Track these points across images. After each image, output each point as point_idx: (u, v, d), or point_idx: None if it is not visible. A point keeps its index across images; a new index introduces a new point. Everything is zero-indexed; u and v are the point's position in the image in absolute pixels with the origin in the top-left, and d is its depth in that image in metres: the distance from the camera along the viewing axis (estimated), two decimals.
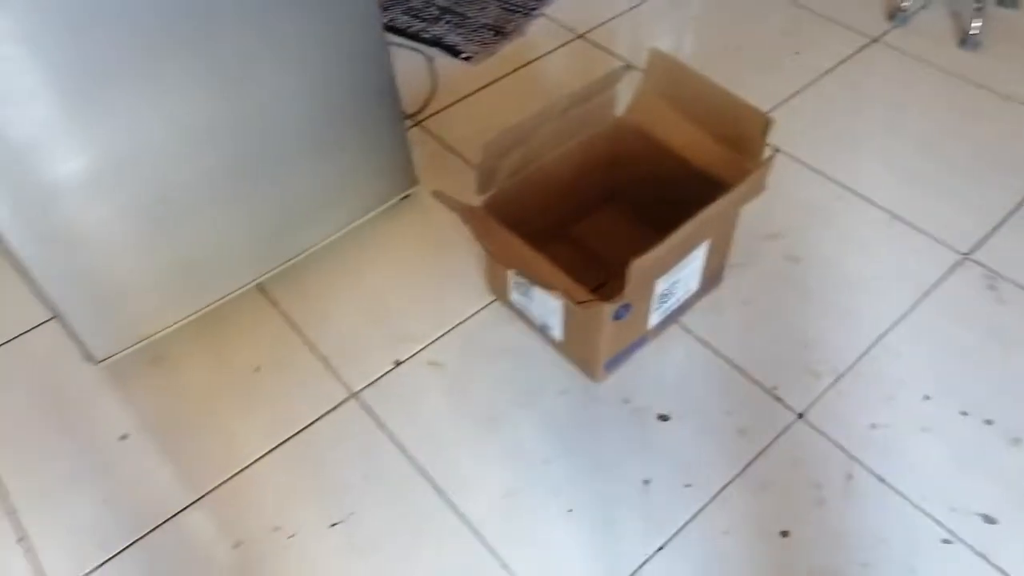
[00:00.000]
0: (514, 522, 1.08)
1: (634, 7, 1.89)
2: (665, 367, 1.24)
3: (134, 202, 1.09)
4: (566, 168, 1.31)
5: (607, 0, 1.91)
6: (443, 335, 1.29)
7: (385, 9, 1.91)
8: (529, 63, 1.77)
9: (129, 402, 1.21)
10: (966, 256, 1.37)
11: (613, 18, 1.86)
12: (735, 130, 1.19)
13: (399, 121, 1.35)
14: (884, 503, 1.10)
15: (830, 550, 1.06)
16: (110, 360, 1.20)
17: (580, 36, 1.83)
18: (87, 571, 1.05)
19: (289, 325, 1.30)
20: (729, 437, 1.16)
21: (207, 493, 1.11)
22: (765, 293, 1.33)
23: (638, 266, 1.00)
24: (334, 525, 1.08)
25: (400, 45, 1.82)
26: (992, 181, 1.48)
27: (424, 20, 1.89)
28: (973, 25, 1.73)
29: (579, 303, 1.03)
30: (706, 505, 1.10)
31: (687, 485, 1.11)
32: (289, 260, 1.33)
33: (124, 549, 1.07)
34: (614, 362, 1.21)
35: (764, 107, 1.18)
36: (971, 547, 1.05)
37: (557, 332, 1.21)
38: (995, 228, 1.40)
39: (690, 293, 1.26)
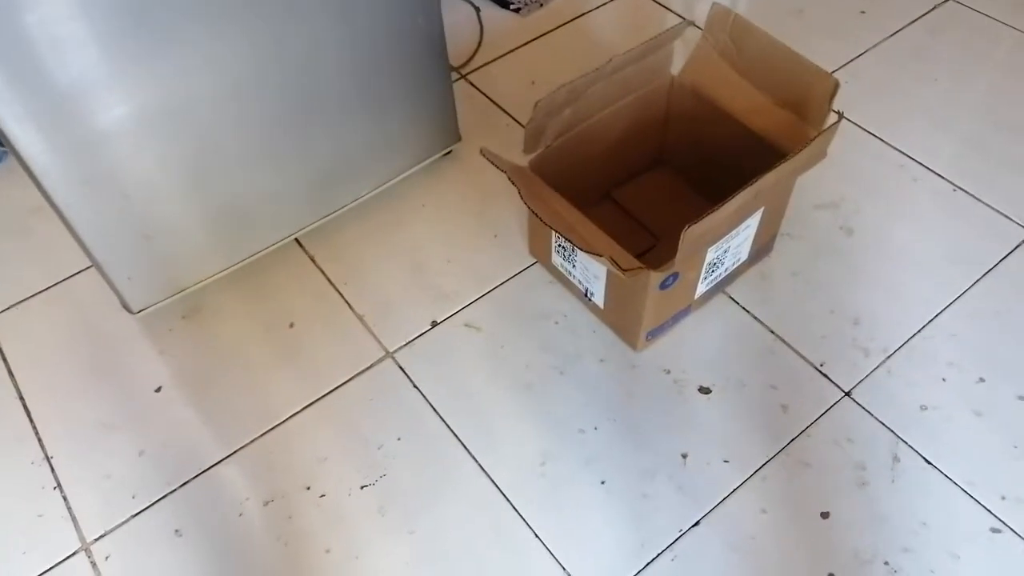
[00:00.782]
0: (546, 490, 1.07)
1: None
2: (708, 338, 1.20)
3: (176, 152, 1.07)
4: (616, 128, 1.26)
5: None
6: (481, 297, 1.26)
7: None
8: (581, 16, 1.71)
9: (164, 354, 1.21)
10: None
11: None
12: (798, 93, 1.13)
13: (446, 74, 1.31)
14: (930, 487, 1.06)
15: (871, 533, 1.02)
16: (147, 311, 1.20)
17: None
18: (120, 521, 1.06)
19: (326, 281, 1.29)
20: (771, 413, 1.13)
21: (239, 449, 1.11)
22: (816, 265, 1.28)
23: (691, 234, 0.96)
24: (364, 487, 1.08)
25: None
26: None
27: None
28: None
29: (625, 271, 0.99)
30: (745, 482, 1.07)
31: (726, 460, 1.09)
32: (329, 215, 1.32)
33: (156, 502, 1.07)
34: (656, 332, 1.18)
35: (824, 69, 1.11)
36: (1022, 537, 1.01)
37: (599, 298, 1.18)
38: None
39: (739, 263, 1.21)
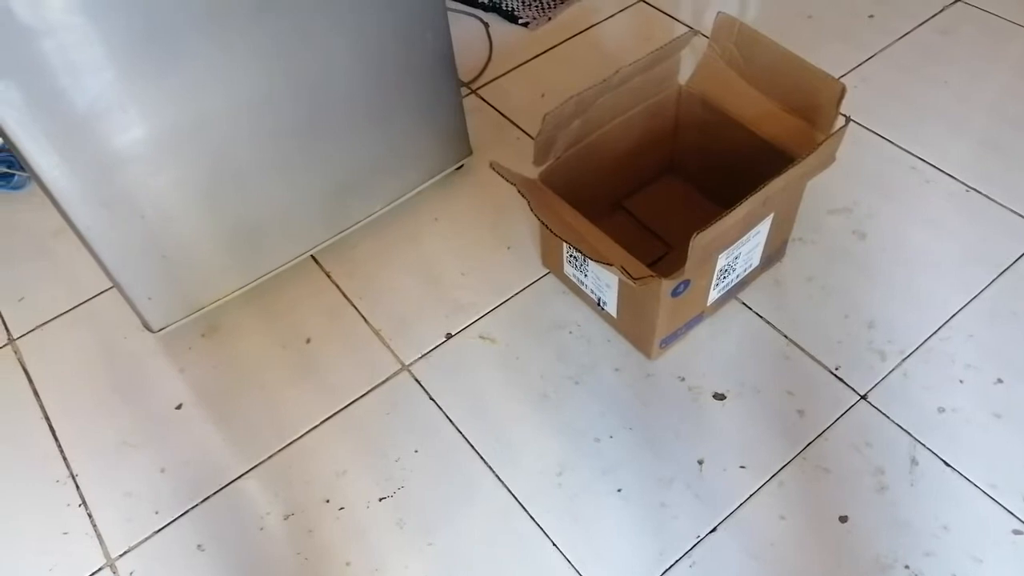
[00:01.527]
0: (563, 500, 1.07)
1: None
2: (722, 344, 1.20)
3: (191, 172, 1.09)
4: (626, 138, 1.27)
5: None
6: (495, 308, 1.27)
7: None
8: (588, 28, 1.72)
9: (184, 371, 1.23)
10: None
11: None
12: (806, 99, 1.13)
13: (456, 89, 1.32)
14: (950, 490, 1.05)
15: (891, 537, 1.02)
16: (167, 330, 1.22)
17: (642, 0, 1.77)
18: (143, 537, 1.07)
19: (342, 296, 1.30)
20: (787, 418, 1.13)
21: (259, 464, 1.13)
22: (829, 269, 1.28)
23: (700, 241, 0.97)
24: (383, 499, 1.09)
25: (456, 10, 1.79)
26: None
27: None
28: None
29: (636, 279, 1.00)
30: (761, 487, 1.07)
31: (742, 466, 1.08)
32: (343, 231, 1.33)
33: (178, 517, 1.09)
34: (670, 339, 1.18)
35: (833, 74, 1.12)
36: None
37: (612, 308, 1.18)
38: None
39: (751, 268, 1.21)
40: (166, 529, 1.08)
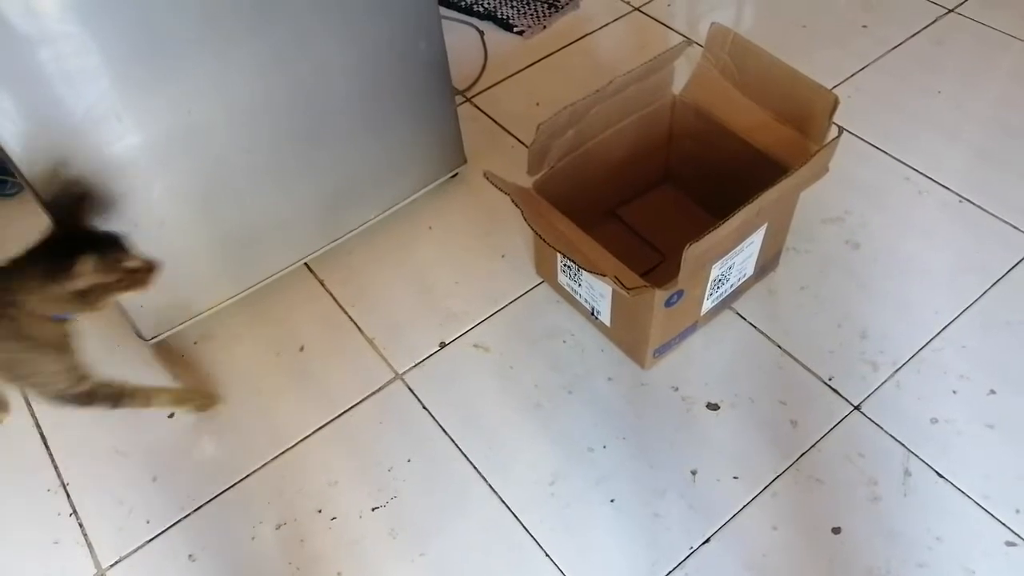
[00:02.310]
0: (556, 510, 1.07)
1: None
2: (716, 354, 1.21)
3: (185, 181, 1.09)
4: (620, 148, 1.27)
5: None
6: (489, 317, 1.27)
7: None
8: (583, 37, 1.73)
9: (177, 380, 1.23)
10: None
11: None
12: (799, 109, 1.14)
13: (450, 98, 1.32)
14: (944, 501, 1.05)
15: (885, 549, 1.02)
16: (159, 338, 1.22)
17: (636, 9, 1.78)
18: (135, 547, 1.07)
19: (335, 304, 1.30)
20: (781, 428, 1.13)
21: (251, 473, 1.12)
22: (822, 279, 1.28)
23: (693, 252, 0.97)
24: (375, 509, 1.08)
25: (451, 19, 1.79)
26: None
27: None
28: None
29: (629, 289, 1.00)
30: (755, 498, 1.06)
31: (735, 477, 1.08)
32: (338, 239, 1.33)
33: (170, 527, 1.08)
34: (663, 349, 1.18)
35: (827, 83, 1.12)
36: None
37: (606, 317, 1.19)
38: None
39: (745, 278, 1.21)
40: (157, 539, 1.07)
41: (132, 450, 1.16)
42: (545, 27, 1.76)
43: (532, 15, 1.78)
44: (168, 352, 1.26)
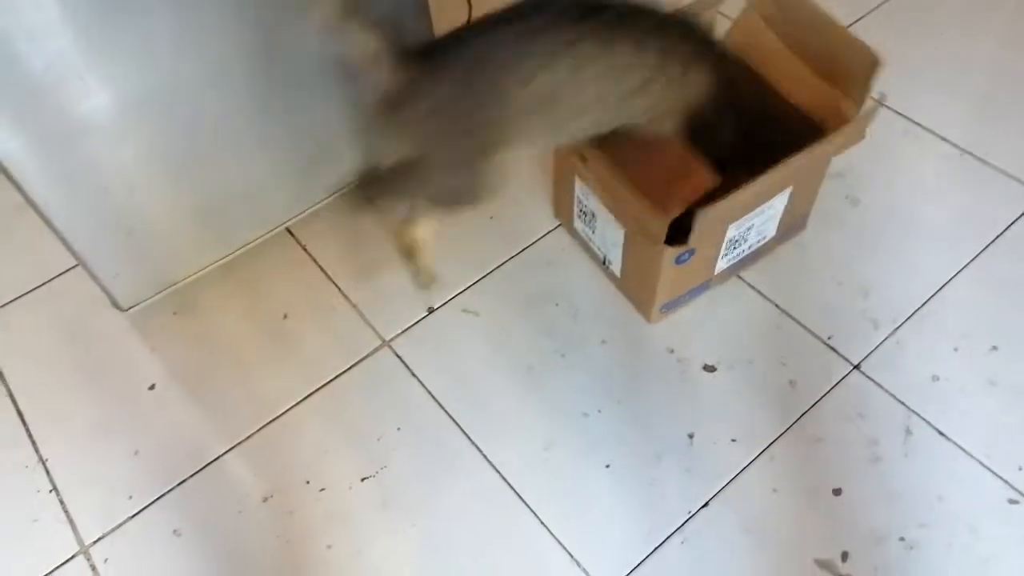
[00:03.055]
0: (550, 477, 1.04)
1: None
2: (712, 315, 1.17)
3: (157, 142, 1.04)
4: None
5: None
6: (478, 281, 1.23)
7: None
8: None
9: (157, 351, 1.19)
10: None
11: None
12: (839, 67, 1.08)
13: None
14: (945, 460, 1.03)
15: (886, 509, 1.00)
16: (137, 308, 1.18)
17: None
18: (118, 523, 1.04)
19: (319, 270, 1.26)
20: (779, 389, 1.10)
21: (236, 445, 1.09)
22: (821, 237, 1.24)
23: (705, 215, 0.93)
24: (365, 479, 1.05)
25: None
26: None
27: None
28: None
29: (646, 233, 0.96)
30: (754, 460, 1.04)
31: (733, 439, 1.06)
32: (320, 202, 1.28)
33: (153, 502, 1.05)
34: (672, 305, 1.15)
35: None
36: None
37: (616, 267, 1.16)
38: None
39: (765, 240, 1.17)
40: (141, 514, 1.04)
41: (112, 423, 1.12)
42: None
43: None
44: (146, 322, 1.21)
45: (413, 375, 1.14)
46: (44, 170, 0.97)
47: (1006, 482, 1.01)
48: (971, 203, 1.27)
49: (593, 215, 1.14)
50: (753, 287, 1.20)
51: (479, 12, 1.56)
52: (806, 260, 1.22)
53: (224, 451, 1.09)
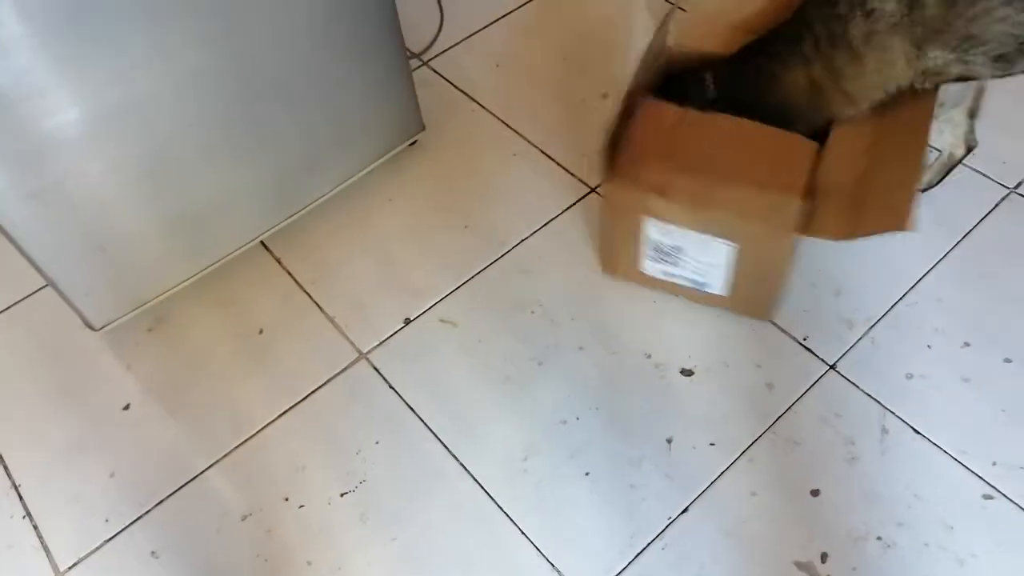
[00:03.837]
0: (530, 486, 1.04)
1: None
2: (688, 319, 1.18)
3: (126, 156, 1.03)
4: None
5: None
6: (455, 290, 1.23)
7: None
8: None
9: (131, 370, 1.18)
10: (1013, 190, 1.27)
11: None
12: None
13: (403, 61, 1.26)
14: (921, 458, 1.04)
15: (864, 509, 1.01)
16: (110, 327, 1.16)
17: None
18: (94, 547, 1.03)
19: (294, 283, 1.25)
20: (756, 392, 1.10)
21: (213, 464, 1.08)
22: None
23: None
24: (344, 494, 1.05)
25: None
26: None
27: None
28: None
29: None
30: (732, 464, 1.05)
31: (712, 444, 1.06)
32: (294, 215, 1.27)
33: (130, 524, 1.04)
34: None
35: None
36: (1015, 503, 1.00)
37: (719, 286, 1.12)
38: None
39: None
40: (118, 537, 1.03)
41: (87, 444, 1.11)
42: None
43: None
44: (120, 341, 1.20)
45: (391, 387, 1.14)
46: (10, 188, 0.95)
47: (980, 478, 1.02)
48: (943, 200, 1.28)
49: (678, 249, 1.09)
50: None
51: (451, 19, 1.55)
52: None
53: (202, 470, 1.08)
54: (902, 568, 0.97)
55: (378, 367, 1.16)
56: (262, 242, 1.29)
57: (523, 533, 1.01)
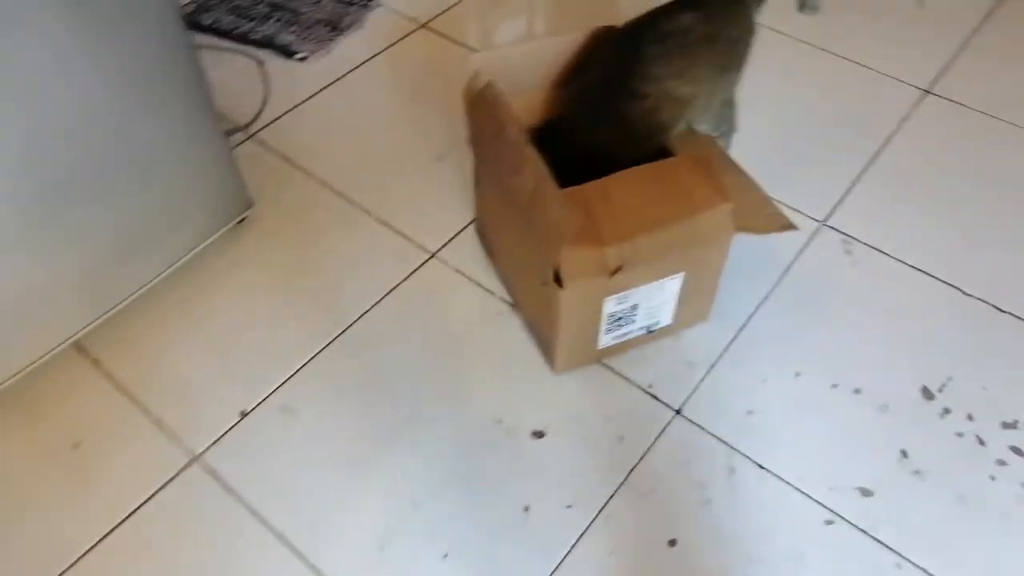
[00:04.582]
0: None
1: None
2: (536, 376, 1.17)
3: None
4: None
5: None
6: (294, 374, 1.17)
7: (207, 9, 1.74)
8: (371, 58, 1.65)
9: None
10: (822, 223, 1.36)
11: (456, 4, 1.76)
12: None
13: (220, 136, 1.21)
14: (767, 492, 1.07)
15: (719, 551, 1.02)
16: None
17: (423, 26, 1.72)
18: None
19: (114, 386, 1.15)
20: (608, 446, 1.11)
21: None
22: None
23: None
24: None
25: (225, 49, 1.67)
26: (841, 144, 1.47)
27: (252, 19, 1.73)
28: None
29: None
30: (590, 524, 1.04)
31: (568, 506, 1.05)
32: (110, 309, 1.18)
33: None
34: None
35: None
36: (852, 524, 1.04)
37: (668, 318, 1.17)
38: (847, 192, 1.40)
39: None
40: None
41: None
42: (329, 52, 1.67)
43: (314, 39, 1.69)
44: None
45: (229, 490, 1.06)
46: None
47: (820, 504, 1.06)
48: (762, 239, 1.34)
49: (634, 308, 1.10)
50: None
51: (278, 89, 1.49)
52: None
53: None
54: None
55: (214, 468, 1.08)
56: (76, 343, 1.18)
57: None
